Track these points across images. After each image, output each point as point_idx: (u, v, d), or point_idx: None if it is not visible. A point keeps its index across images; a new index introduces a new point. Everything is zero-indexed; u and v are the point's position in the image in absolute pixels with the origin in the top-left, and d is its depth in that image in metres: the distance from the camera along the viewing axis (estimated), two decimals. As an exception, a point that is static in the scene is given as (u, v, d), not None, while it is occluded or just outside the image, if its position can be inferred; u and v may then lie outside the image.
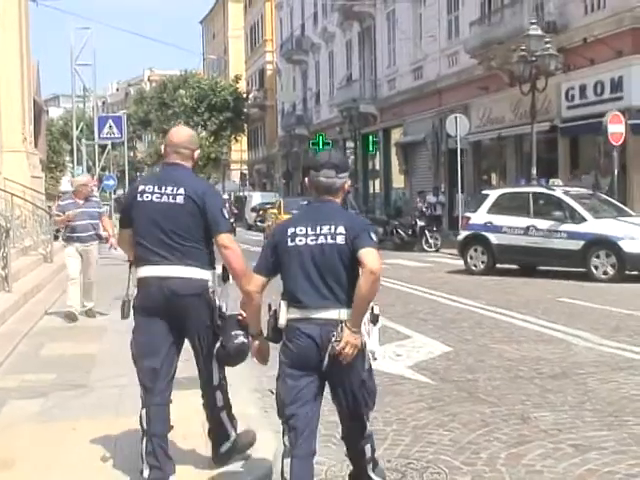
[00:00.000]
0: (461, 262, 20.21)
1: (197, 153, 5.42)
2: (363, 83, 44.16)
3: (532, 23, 23.51)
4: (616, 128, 21.14)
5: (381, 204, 41.73)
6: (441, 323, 12.03)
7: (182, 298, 5.12)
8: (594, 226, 17.65)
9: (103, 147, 39.38)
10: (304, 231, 4.54)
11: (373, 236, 4.54)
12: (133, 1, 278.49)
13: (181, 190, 5.14)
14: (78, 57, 37.58)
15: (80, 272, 12.49)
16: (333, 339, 4.36)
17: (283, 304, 4.57)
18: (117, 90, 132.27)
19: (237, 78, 69.35)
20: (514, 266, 19.48)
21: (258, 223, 43.13)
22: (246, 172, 73.45)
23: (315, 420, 4.59)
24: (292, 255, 4.52)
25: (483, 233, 19.27)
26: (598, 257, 17.41)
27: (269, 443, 5.96)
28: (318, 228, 4.52)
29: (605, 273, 17.27)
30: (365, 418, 4.70)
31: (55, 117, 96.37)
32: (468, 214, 20.72)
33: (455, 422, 6.78)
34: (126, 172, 37.32)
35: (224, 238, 5.15)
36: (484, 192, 21.66)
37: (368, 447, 4.79)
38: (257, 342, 4.81)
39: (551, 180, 20.51)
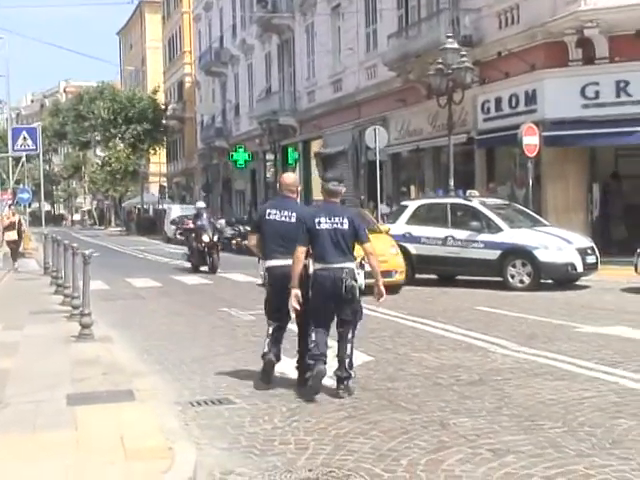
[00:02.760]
0: (381, 273, 20.27)
1: (299, 189, 8.94)
2: (282, 95, 44.28)
3: (448, 37, 23.82)
4: (531, 140, 21.60)
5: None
6: (362, 333, 12.00)
7: (288, 277, 8.08)
8: (510, 236, 17.96)
9: (17, 160, 38.62)
10: (324, 219, 8.02)
11: (366, 230, 8.31)
12: (49, 11, 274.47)
13: (294, 214, 8.49)
14: (-9, 68, 36.92)
15: None
16: (344, 277, 7.88)
17: (311, 261, 8.11)
18: (32, 102, 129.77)
19: (155, 90, 68.77)
20: (433, 276, 19.73)
21: (178, 236, 41.51)
22: (165, 184, 72.80)
23: (329, 321, 8.14)
24: (318, 233, 7.99)
25: (402, 244, 19.42)
26: (514, 266, 17.74)
27: (189, 455, 5.92)
28: (332, 218, 8.02)
29: (521, 282, 17.60)
30: (352, 325, 8.19)
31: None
32: (387, 225, 20.88)
33: (375, 430, 6.82)
34: (42, 185, 36.51)
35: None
36: (403, 203, 21.88)
37: (349, 346, 8.15)
38: (297, 292, 7.99)
39: (468, 191, 20.83)
